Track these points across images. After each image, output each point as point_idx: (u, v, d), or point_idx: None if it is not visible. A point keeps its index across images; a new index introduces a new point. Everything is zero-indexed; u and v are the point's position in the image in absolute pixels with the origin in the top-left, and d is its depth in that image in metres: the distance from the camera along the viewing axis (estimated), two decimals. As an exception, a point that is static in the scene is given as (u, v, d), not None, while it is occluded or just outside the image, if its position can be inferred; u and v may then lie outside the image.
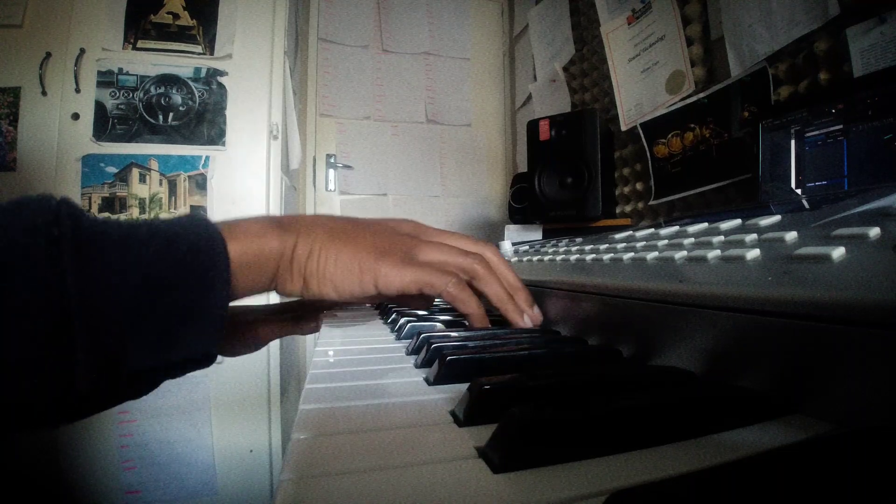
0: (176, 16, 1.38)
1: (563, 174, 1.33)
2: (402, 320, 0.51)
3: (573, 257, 0.48)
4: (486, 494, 0.15)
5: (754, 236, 0.29)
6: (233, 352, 0.37)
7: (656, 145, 1.23)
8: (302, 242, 0.32)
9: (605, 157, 1.30)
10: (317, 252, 0.32)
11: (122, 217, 1.32)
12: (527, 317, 0.41)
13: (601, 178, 1.27)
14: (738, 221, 0.36)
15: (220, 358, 0.31)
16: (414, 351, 0.40)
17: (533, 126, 1.39)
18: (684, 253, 0.32)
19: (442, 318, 0.52)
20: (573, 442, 0.17)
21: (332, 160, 2.11)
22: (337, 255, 0.33)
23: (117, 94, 1.33)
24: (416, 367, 0.35)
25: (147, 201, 1.34)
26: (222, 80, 1.39)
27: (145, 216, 1.34)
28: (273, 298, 0.42)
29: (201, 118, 1.37)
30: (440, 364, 0.30)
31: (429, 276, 0.35)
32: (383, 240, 0.36)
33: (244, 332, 0.37)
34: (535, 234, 1.48)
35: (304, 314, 0.41)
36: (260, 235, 0.30)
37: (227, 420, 1.32)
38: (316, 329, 0.41)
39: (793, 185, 0.73)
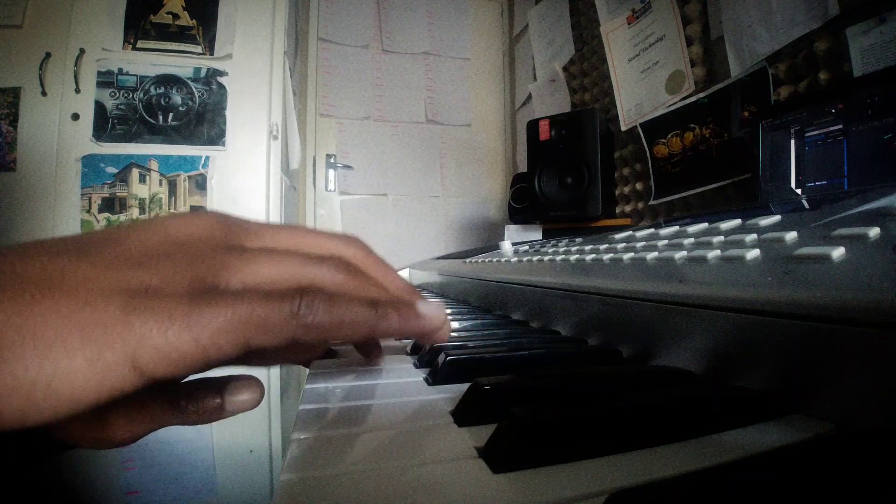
0: (176, 16, 1.38)
1: (563, 174, 1.33)
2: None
3: (573, 257, 0.48)
4: (487, 494, 0.15)
5: (754, 236, 0.29)
6: (79, 442, 0.20)
7: (656, 145, 1.23)
8: None
9: (605, 157, 1.31)
10: None
11: (122, 218, 1.32)
12: (425, 310, 0.24)
13: (601, 178, 1.27)
14: (738, 221, 0.36)
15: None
16: (414, 351, 0.40)
17: (533, 126, 1.39)
18: (684, 253, 0.32)
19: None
20: (573, 442, 0.17)
21: (332, 160, 2.11)
22: (21, 331, 0.14)
23: (117, 95, 1.33)
24: (417, 367, 0.35)
25: (147, 201, 1.34)
26: (222, 80, 1.39)
27: (145, 216, 1.34)
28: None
29: (201, 118, 1.37)
30: (440, 364, 0.30)
31: (257, 310, 0.17)
32: (147, 268, 0.17)
33: (85, 427, 0.20)
34: (535, 234, 1.48)
35: (192, 390, 0.23)
36: None
37: (227, 420, 1.32)
38: (220, 414, 0.24)
39: (793, 185, 0.73)
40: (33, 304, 0.14)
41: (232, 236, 0.21)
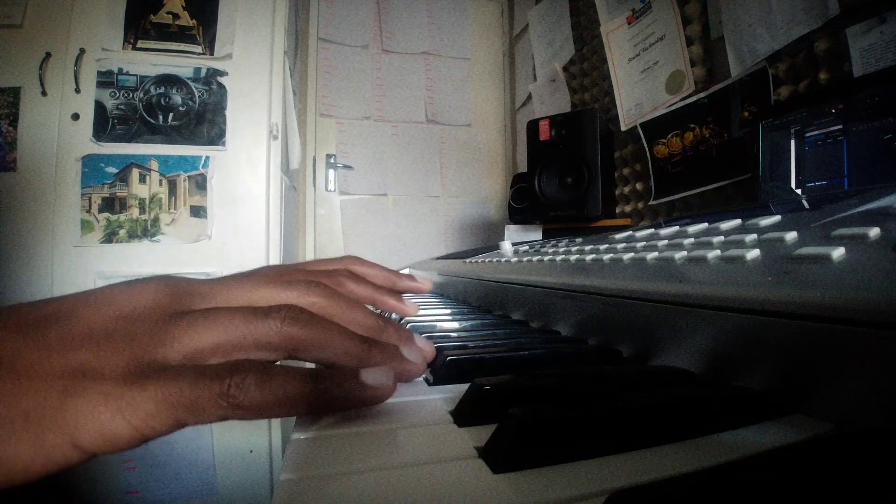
0: (176, 16, 1.38)
1: (563, 174, 1.33)
2: (402, 321, 0.51)
3: (573, 257, 0.48)
4: (486, 494, 0.15)
5: (754, 236, 0.29)
6: None
7: (656, 145, 1.23)
8: None
9: (605, 157, 1.31)
10: None
11: (122, 217, 1.32)
12: (370, 378, 0.21)
13: (601, 178, 1.27)
14: (738, 221, 0.36)
15: None
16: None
17: (533, 126, 1.39)
18: (684, 253, 0.32)
19: (445, 322, 0.52)
20: (573, 442, 0.17)
21: (332, 160, 2.11)
22: None
23: (117, 95, 1.33)
24: (416, 367, 0.35)
25: (147, 201, 1.34)
26: (222, 80, 1.39)
27: (145, 216, 1.34)
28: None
29: (201, 118, 1.37)
30: (440, 364, 0.30)
31: (186, 392, 0.17)
32: (88, 348, 0.18)
33: None
34: (535, 234, 1.48)
35: None
36: None
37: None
38: None
39: (793, 185, 0.73)
40: None
41: (179, 302, 0.21)
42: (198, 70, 1.38)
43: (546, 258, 0.54)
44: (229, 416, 0.18)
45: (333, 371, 0.21)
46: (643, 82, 1.29)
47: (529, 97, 2.03)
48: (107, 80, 1.33)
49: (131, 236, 1.33)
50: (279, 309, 0.21)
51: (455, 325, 0.49)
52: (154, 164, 1.35)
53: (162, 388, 0.17)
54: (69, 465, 0.17)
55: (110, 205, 1.32)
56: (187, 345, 0.19)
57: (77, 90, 1.30)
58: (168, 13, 1.37)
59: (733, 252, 0.27)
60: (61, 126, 1.30)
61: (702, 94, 1.09)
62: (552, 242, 0.75)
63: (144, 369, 0.18)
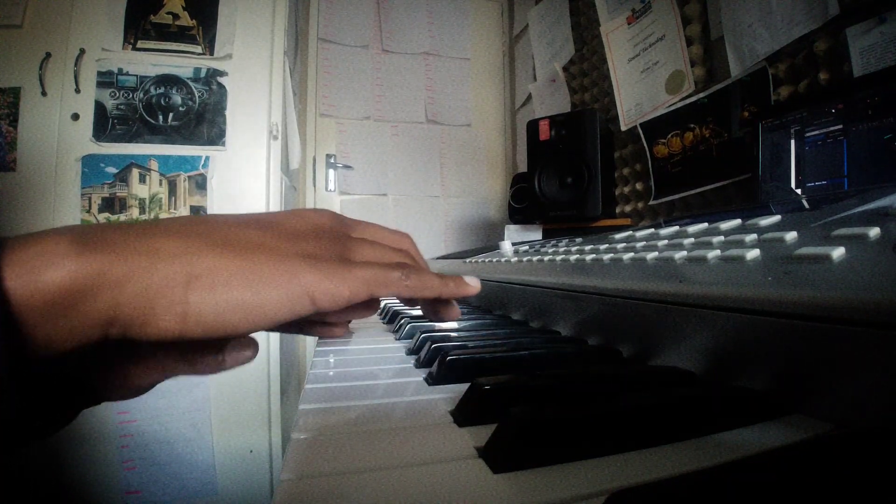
0: (176, 16, 1.38)
1: (563, 174, 1.33)
2: (402, 320, 0.51)
3: (573, 257, 0.48)
4: (486, 494, 0.15)
5: (754, 236, 0.29)
6: (106, 392, 0.26)
7: (656, 145, 1.23)
8: (168, 264, 0.21)
9: (605, 157, 1.30)
10: (204, 274, 0.22)
11: (122, 217, 1.32)
12: (470, 281, 0.32)
13: (601, 178, 1.27)
14: (738, 221, 0.36)
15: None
16: (414, 351, 0.40)
17: (533, 126, 1.39)
18: (684, 253, 0.32)
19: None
20: (573, 442, 0.17)
21: (332, 160, 2.11)
22: (244, 273, 0.23)
23: (117, 95, 1.33)
24: (417, 366, 0.35)
25: (147, 201, 1.34)
26: (222, 80, 1.39)
27: (145, 216, 1.34)
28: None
29: (201, 118, 1.37)
30: (440, 364, 0.30)
31: (379, 274, 0.27)
32: (308, 242, 0.27)
33: (106, 375, 0.26)
34: (535, 234, 1.48)
35: (201, 346, 0.28)
36: (68, 257, 0.19)
37: (227, 420, 1.32)
38: (221, 366, 0.28)
39: (793, 185, 0.73)
40: (252, 258, 0.23)
41: (345, 228, 0.31)
42: (198, 70, 1.38)
43: (546, 258, 0.54)
44: (400, 291, 0.27)
45: (448, 275, 0.32)
46: (643, 82, 1.29)
47: (529, 97, 2.03)
48: (107, 80, 1.32)
49: (131, 236, 1.32)
50: (401, 247, 0.33)
51: (455, 324, 0.50)
52: (154, 164, 1.35)
53: (365, 271, 0.26)
54: (302, 315, 0.24)
55: (110, 205, 1.32)
56: (363, 255, 0.29)
57: (77, 90, 1.30)
58: (168, 13, 1.37)
59: (733, 252, 0.27)
60: (61, 126, 1.29)
61: (702, 94, 1.09)
62: (552, 242, 0.75)
63: (349, 260, 0.27)
